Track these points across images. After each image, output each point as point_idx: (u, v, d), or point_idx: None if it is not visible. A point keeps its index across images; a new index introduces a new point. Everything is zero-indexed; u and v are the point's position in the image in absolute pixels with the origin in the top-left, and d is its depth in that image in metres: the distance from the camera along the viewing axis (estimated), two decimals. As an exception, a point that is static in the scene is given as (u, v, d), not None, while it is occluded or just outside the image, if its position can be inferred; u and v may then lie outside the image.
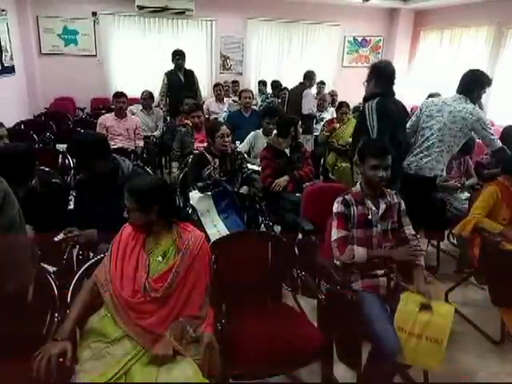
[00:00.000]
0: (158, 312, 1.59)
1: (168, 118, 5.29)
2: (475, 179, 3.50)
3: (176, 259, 1.64)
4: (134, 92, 6.77)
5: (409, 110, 6.09)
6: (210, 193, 2.71)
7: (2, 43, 5.77)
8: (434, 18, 7.83)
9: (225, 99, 6.16)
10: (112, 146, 3.32)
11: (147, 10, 6.98)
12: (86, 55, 7.22)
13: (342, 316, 1.88)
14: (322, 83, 6.71)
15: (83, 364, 1.47)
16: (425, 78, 7.89)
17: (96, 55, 7.28)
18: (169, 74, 5.27)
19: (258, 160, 3.48)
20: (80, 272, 1.78)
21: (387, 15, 8.34)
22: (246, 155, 3.64)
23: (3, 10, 5.87)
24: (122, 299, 1.58)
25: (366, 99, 2.80)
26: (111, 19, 7.13)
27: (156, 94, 5.55)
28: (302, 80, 5.46)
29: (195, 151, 3.73)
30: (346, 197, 2.04)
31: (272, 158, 3.20)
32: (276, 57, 8.15)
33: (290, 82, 6.41)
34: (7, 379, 1.45)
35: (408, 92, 8.41)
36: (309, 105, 5.21)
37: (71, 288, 1.70)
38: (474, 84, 2.84)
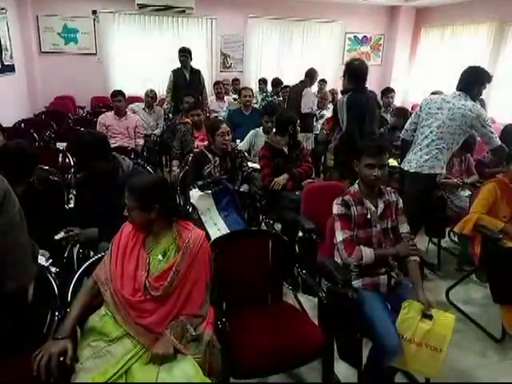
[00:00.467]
0: (158, 311, 1.59)
1: (170, 115, 5.29)
2: (476, 177, 3.49)
3: (176, 258, 1.64)
4: (134, 90, 6.80)
5: (409, 107, 6.12)
6: (210, 191, 2.70)
7: (2, 42, 5.75)
8: (434, 16, 7.81)
9: (225, 97, 6.15)
10: (112, 145, 3.32)
11: (147, 9, 6.97)
12: (86, 54, 7.21)
13: (343, 314, 1.88)
14: (323, 81, 6.72)
15: (83, 363, 1.47)
16: (426, 75, 7.88)
17: (96, 54, 7.27)
18: (175, 72, 5.27)
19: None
20: (80, 271, 1.78)
21: (388, 12, 8.31)
22: (246, 153, 3.64)
23: (3, 9, 5.85)
24: (123, 298, 1.58)
25: (342, 93, 3.25)
26: (111, 18, 7.12)
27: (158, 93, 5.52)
28: (302, 78, 5.44)
29: (195, 149, 3.73)
30: (345, 198, 2.02)
31: (270, 157, 3.19)
32: (276, 55, 8.13)
33: (291, 79, 6.41)
34: (8, 378, 1.45)
35: (409, 89, 8.41)
36: (308, 103, 5.19)
37: (71, 287, 1.69)
38: (473, 81, 2.83)
